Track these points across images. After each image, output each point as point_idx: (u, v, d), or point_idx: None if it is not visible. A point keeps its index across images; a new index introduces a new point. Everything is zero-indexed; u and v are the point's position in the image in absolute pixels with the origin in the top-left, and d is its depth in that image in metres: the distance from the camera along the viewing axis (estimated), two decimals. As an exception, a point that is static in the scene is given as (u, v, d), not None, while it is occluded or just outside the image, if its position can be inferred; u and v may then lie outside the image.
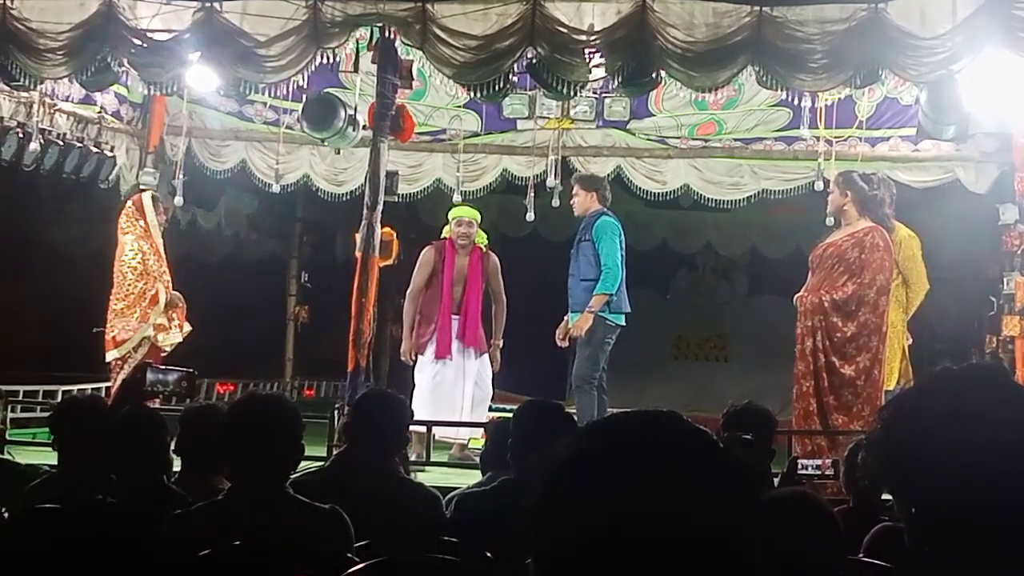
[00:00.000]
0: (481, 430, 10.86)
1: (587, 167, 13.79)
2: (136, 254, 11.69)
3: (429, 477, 9.33)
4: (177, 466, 5.86)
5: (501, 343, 12.04)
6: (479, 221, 12.08)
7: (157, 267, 11.76)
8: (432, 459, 10.62)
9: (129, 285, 11.69)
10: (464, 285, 11.80)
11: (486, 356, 11.90)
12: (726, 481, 1.63)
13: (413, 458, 10.10)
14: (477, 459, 8.07)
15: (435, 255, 11.91)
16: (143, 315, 11.65)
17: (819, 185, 12.47)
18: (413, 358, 11.82)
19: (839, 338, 9.69)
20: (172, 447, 5.62)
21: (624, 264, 11.09)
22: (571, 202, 11.49)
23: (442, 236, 12.10)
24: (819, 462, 8.05)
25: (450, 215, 12.14)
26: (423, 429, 10.54)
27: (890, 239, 10.11)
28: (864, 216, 10.04)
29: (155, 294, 11.71)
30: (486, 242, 12.18)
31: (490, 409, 11.88)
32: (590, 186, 11.40)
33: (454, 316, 11.79)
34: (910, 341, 11.27)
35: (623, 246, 11.10)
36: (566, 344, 11.16)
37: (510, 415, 6.03)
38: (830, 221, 10.73)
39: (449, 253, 11.86)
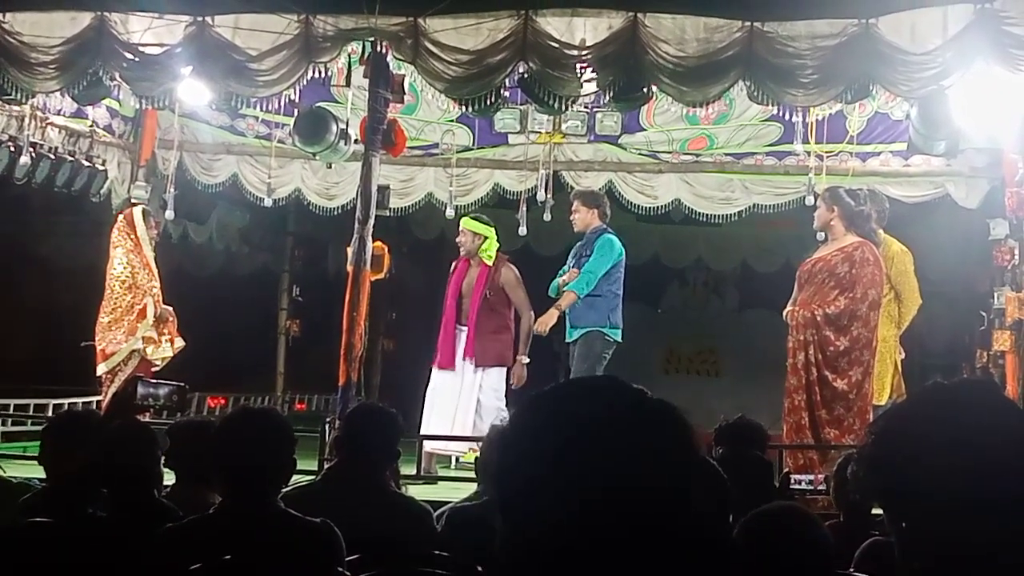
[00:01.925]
0: (471, 445, 10.92)
1: (578, 182, 13.81)
2: (125, 267, 11.68)
3: (421, 491, 9.32)
4: (170, 480, 5.86)
5: (526, 359, 11.66)
6: (478, 231, 11.82)
7: (146, 281, 11.73)
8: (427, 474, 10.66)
9: (117, 298, 11.67)
10: (470, 297, 11.75)
11: (495, 370, 11.69)
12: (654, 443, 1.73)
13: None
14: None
15: (452, 269, 11.98)
16: (131, 328, 11.62)
17: (810, 200, 12.45)
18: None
19: (831, 352, 9.70)
20: (163, 461, 5.61)
21: (624, 282, 11.09)
22: (571, 218, 11.42)
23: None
24: (812, 477, 8.07)
25: None
26: (430, 443, 10.63)
27: (878, 254, 10.14)
28: (851, 231, 10.06)
29: (143, 308, 11.68)
30: (492, 254, 11.96)
31: None
32: (591, 203, 11.37)
33: (460, 327, 11.73)
34: (903, 356, 11.27)
35: (622, 266, 11.08)
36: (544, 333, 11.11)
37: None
38: (821, 236, 10.75)
39: (462, 266, 11.85)
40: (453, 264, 12.04)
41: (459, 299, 11.79)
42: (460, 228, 11.95)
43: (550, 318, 10.90)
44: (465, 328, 11.72)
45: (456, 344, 11.71)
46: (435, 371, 11.73)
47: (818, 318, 9.73)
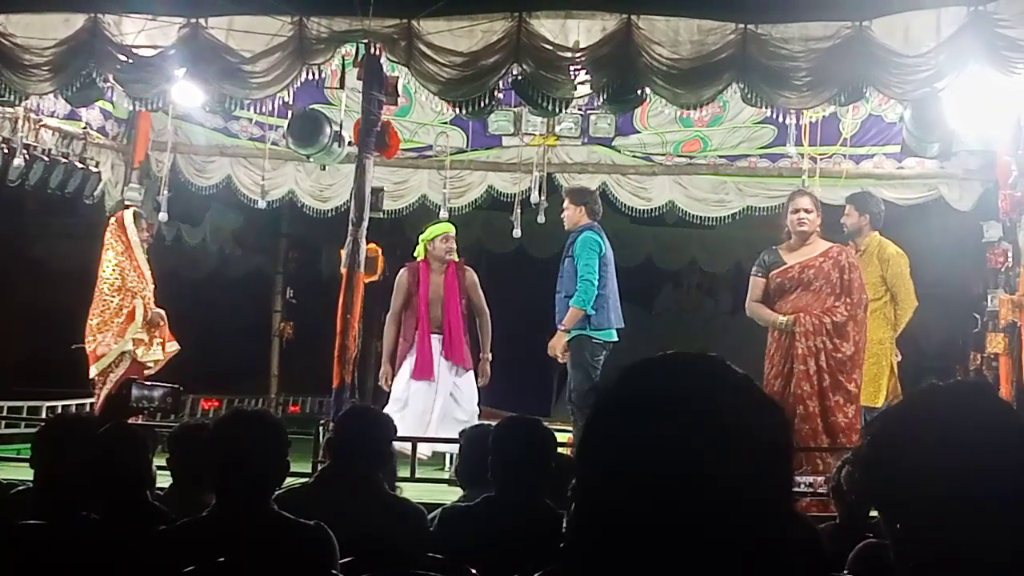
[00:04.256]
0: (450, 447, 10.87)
1: (572, 184, 13.78)
2: (115, 269, 11.64)
3: (411, 493, 9.31)
4: (166, 483, 5.87)
5: (490, 356, 11.82)
6: (453, 232, 12.00)
7: (137, 283, 11.68)
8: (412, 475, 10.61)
9: (105, 300, 11.63)
10: (442, 303, 11.71)
11: (469, 373, 11.78)
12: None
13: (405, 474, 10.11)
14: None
15: (409, 277, 11.78)
16: (120, 331, 11.58)
17: (804, 202, 12.47)
18: (389, 383, 11.70)
19: (839, 358, 9.65)
20: (156, 463, 5.61)
21: (614, 280, 10.99)
22: (561, 215, 11.39)
23: (415, 256, 11.95)
24: (811, 479, 8.05)
25: (429, 232, 11.95)
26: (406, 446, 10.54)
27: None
28: (823, 237, 10.09)
29: (132, 310, 11.63)
30: (456, 257, 12.03)
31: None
32: (578, 200, 11.19)
33: (434, 335, 11.70)
34: (899, 358, 11.24)
35: (608, 262, 10.96)
36: (561, 358, 11.00)
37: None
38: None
39: (424, 273, 11.73)
40: (408, 272, 11.84)
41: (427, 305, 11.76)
42: (449, 234, 11.82)
43: (559, 340, 10.77)
44: (439, 334, 11.69)
45: (432, 351, 11.68)
46: (410, 382, 11.59)
47: (828, 326, 9.68)
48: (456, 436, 10.95)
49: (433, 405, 11.51)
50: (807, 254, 9.94)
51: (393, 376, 11.63)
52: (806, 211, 9.95)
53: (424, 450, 11.23)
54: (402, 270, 11.89)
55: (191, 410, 16.37)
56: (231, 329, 18.66)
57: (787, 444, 1.67)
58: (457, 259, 11.92)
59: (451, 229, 11.99)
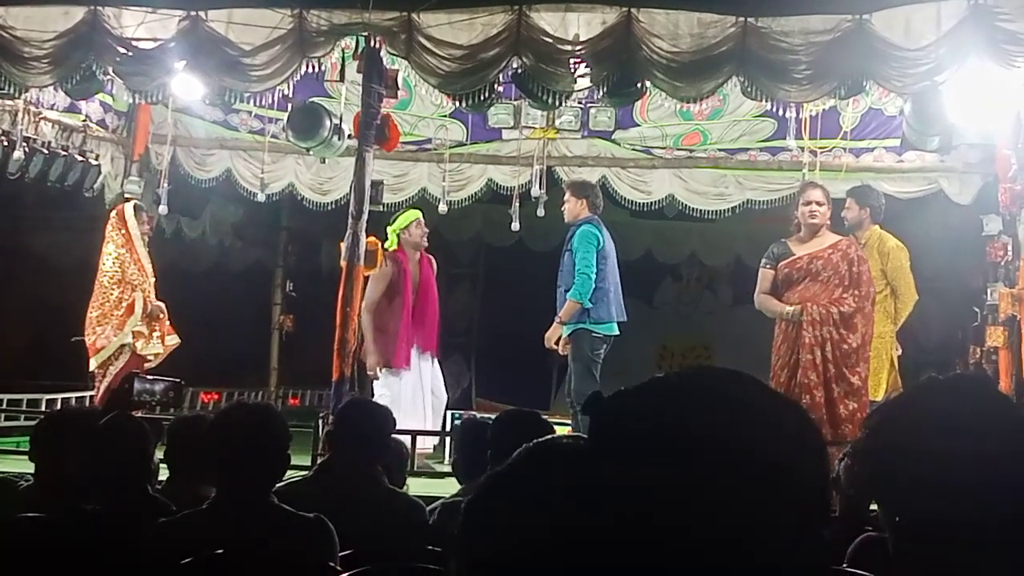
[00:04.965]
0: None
1: (572, 177, 13.78)
2: (115, 262, 11.65)
3: (412, 487, 9.31)
4: (164, 475, 5.86)
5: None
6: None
7: (137, 276, 11.69)
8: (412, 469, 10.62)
9: (105, 293, 11.65)
10: (418, 291, 11.74)
11: (435, 359, 11.85)
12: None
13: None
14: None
15: (393, 266, 11.69)
16: (119, 323, 11.59)
17: (803, 195, 12.48)
18: (380, 372, 11.68)
19: (845, 350, 9.65)
20: (158, 456, 5.61)
21: (616, 273, 10.94)
22: (561, 208, 11.35)
23: (386, 246, 11.78)
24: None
25: (401, 220, 11.85)
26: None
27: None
28: (832, 230, 10.07)
29: (131, 303, 11.64)
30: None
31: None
32: (580, 193, 11.09)
33: (415, 324, 11.69)
34: (899, 352, 11.23)
35: (607, 255, 10.89)
36: (562, 351, 10.96)
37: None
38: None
39: (404, 262, 11.77)
40: (392, 261, 11.69)
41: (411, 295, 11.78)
42: (421, 220, 11.91)
43: (554, 332, 10.72)
44: (420, 324, 11.71)
45: (415, 341, 11.71)
46: (399, 372, 11.54)
47: (835, 316, 9.67)
48: (440, 423, 11.15)
49: (423, 398, 11.54)
50: (816, 246, 9.93)
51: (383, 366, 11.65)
52: (818, 204, 9.92)
53: (426, 444, 11.27)
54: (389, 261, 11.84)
55: (191, 403, 16.37)
56: (231, 322, 18.62)
57: (823, 493, 1.40)
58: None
59: (420, 215, 11.97)
